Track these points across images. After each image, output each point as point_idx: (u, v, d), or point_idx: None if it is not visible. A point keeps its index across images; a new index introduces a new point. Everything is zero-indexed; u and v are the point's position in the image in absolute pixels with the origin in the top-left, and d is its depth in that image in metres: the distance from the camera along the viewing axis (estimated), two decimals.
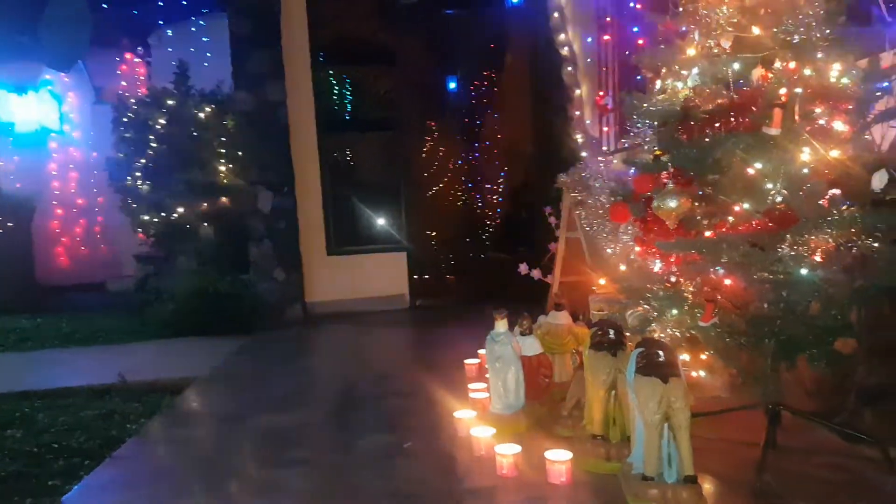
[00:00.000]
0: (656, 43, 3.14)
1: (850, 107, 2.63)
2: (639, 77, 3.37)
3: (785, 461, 2.76)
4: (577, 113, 6.94)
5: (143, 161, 8.33)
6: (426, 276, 8.70)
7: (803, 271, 2.48)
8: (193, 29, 9.99)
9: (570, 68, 6.89)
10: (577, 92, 6.94)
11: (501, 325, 3.41)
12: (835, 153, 2.56)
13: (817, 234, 2.48)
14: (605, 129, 6.80)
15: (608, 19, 6.63)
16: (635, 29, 5.79)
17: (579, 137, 6.80)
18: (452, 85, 11.34)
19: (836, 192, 2.57)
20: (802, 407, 3.11)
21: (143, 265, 9.09)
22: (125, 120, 8.53)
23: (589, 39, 6.89)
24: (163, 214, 8.31)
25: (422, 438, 3.35)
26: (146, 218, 8.44)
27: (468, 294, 8.27)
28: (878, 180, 2.44)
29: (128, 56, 11.29)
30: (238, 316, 6.75)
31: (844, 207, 2.53)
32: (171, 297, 7.09)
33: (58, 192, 11.47)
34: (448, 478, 2.85)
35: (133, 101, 8.71)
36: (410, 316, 7.35)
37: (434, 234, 10.24)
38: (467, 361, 4.40)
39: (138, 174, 8.39)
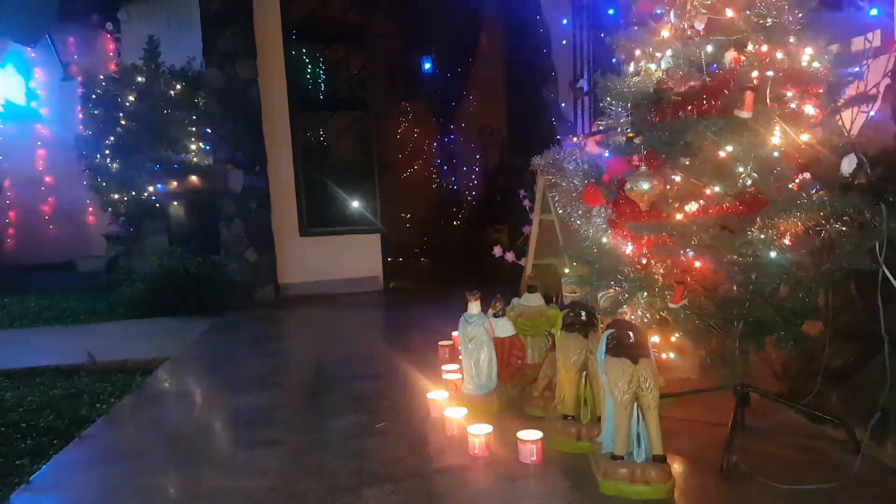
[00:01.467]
0: (630, 24, 3.14)
1: (821, 91, 2.65)
2: (614, 60, 3.35)
3: (752, 441, 2.80)
4: (552, 95, 6.94)
5: (112, 139, 8.19)
6: (400, 258, 8.68)
7: (772, 254, 2.50)
8: (164, 4, 9.77)
9: (545, 50, 6.88)
10: (552, 74, 6.93)
11: (475, 307, 3.42)
12: (805, 137, 2.58)
13: (786, 217, 2.50)
14: (580, 111, 6.80)
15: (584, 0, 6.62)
16: (611, 11, 5.78)
17: (554, 120, 6.80)
18: (427, 66, 11.25)
19: (806, 175, 2.59)
20: (770, 388, 3.16)
21: (112, 245, 8.96)
22: (94, 97, 8.36)
23: (564, 21, 6.87)
24: (133, 193, 8.18)
25: (394, 419, 3.35)
26: (115, 197, 8.31)
27: (442, 276, 8.26)
28: (847, 164, 2.47)
29: (97, 31, 11.04)
30: (209, 297, 6.67)
31: (814, 191, 2.56)
32: (141, 277, 6.99)
33: (26, 169, 11.21)
34: (420, 457, 2.86)
35: (102, 77, 8.53)
36: (384, 298, 7.33)
37: (408, 215, 10.20)
38: (441, 343, 4.41)
39: (107, 152, 8.24)
